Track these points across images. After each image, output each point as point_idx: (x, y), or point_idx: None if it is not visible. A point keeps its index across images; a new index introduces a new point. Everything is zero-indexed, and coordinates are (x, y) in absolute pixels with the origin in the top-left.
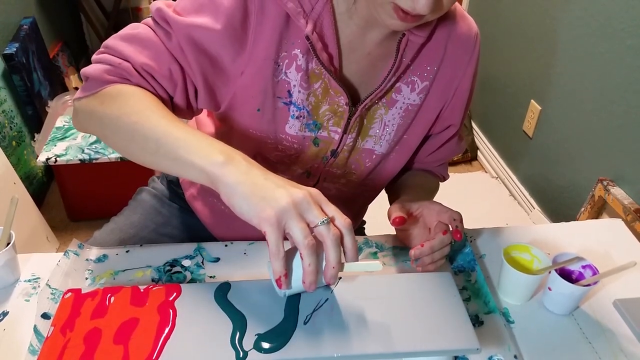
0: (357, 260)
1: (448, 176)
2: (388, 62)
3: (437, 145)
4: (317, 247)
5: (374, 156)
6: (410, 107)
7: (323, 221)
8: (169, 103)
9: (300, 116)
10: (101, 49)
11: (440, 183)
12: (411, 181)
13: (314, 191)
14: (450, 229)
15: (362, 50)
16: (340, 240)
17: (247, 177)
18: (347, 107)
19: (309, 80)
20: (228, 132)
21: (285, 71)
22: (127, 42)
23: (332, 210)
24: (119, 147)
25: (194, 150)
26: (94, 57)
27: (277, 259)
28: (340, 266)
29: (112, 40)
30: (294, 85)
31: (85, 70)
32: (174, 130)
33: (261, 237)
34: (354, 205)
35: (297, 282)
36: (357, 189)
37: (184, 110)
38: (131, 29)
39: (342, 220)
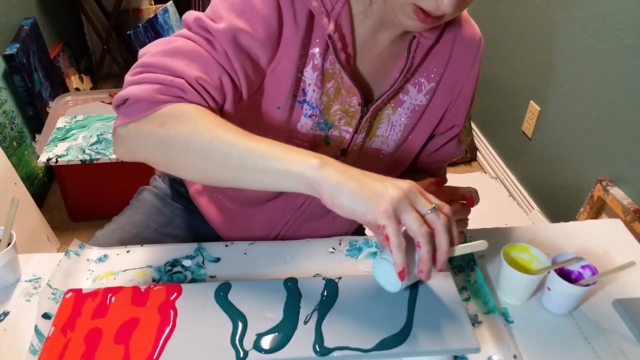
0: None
1: (446, 180)
2: (397, 63)
3: (438, 145)
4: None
5: (381, 155)
6: (417, 107)
7: (432, 209)
8: (218, 115)
9: (313, 115)
10: (140, 68)
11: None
12: None
13: (414, 183)
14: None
15: (373, 50)
16: None
17: (348, 175)
18: (359, 107)
19: (323, 79)
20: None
21: (302, 70)
22: (172, 57)
23: (433, 198)
24: (189, 167)
25: (285, 159)
26: (133, 77)
27: (400, 250)
28: (450, 251)
29: (154, 58)
30: (309, 84)
31: (129, 92)
32: (256, 144)
33: (264, 235)
34: None
35: (411, 272)
36: None
37: (231, 117)
38: (168, 43)
39: (446, 207)
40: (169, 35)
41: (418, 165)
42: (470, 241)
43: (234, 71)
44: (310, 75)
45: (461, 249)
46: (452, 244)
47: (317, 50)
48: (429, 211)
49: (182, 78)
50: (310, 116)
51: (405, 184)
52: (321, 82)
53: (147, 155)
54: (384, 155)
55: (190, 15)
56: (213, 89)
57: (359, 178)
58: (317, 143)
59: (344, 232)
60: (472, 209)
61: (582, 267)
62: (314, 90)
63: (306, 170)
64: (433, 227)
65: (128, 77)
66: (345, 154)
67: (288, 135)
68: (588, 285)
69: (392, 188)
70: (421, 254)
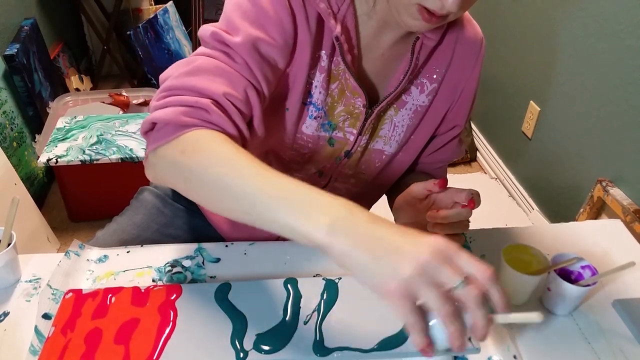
0: (509, 311)
1: (447, 181)
2: (400, 64)
3: (439, 146)
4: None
5: (384, 156)
6: (419, 108)
7: (459, 284)
8: (246, 130)
9: (318, 116)
10: (164, 93)
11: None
12: (411, 182)
13: (441, 243)
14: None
15: (377, 51)
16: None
17: (359, 240)
18: (364, 109)
19: (329, 81)
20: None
21: (310, 72)
22: (196, 76)
23: (465, 261)
24: (204, 200)
25: (292, 211)
26: (158, 102)
27: (415, 331)
28: (490, 321)
29: (177, 80)
30: (316, 86)
31: (156, 116)
32: (266, 185)
33: (267, 235)
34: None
35: (444, 341)
36: (364, 189)
37: (261, 129)
38: (188, 63)
39: (482, 273)
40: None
41: (418, 167)
42: (470, 242)
43: (257, 81)
44: (317, 77)
45: (510, 318)
46: (498, 310)
47: (324, 52)
48: (456, 286)
49: (209, 96)
50: (315, 118)
51: (427, 251)
52: (327, 83)
53: (170, 181)
54: (387, 156)
55: (206, 30)
56: (240, 103)
57: (372, 245)
58: (321, 144)
59: None
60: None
61: (582, 267)
62: (320, 92)
63: (314, 232)
64: (463, 302)
65: (153, 103)
66: (349, 155)
67: (292, 136)
68: (588, 285)
69: (406, 262)
70: (448, 332)
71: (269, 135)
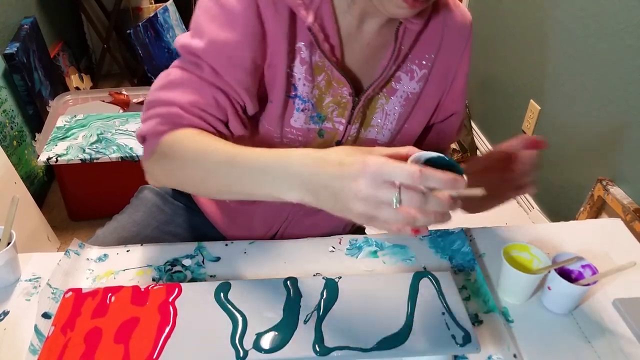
0: (460, 188)
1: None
2: (387, 51)
3: (440, 134)
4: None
5: (377, 146)
6: (410, 95)
7: (395, 200)
8: (225, 130)
9: (305, 109)
10: (145, 107)
11: None
12: None
13: (370, 170)
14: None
15: (361, 40)
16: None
17: (317, 194)
18: (350, 98)
19: (313, 73)
20: None
21: (290, 65)
22: (166, 90)
23: (394, 173)
24: (194, 187)
25: (268, 187)
26: (143, 117)
27: (400, 230)
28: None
29: (153, 95)
30: (299, 79)
31: (140, 131)
32: (242, 162)
33: (264, 231)
34: None
35: None
36: None
37: (241, 129)
38: (164, 77)
39: (411, 177)
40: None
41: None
42: (471, 241)
43: (227, 84)
44: (299, 70)
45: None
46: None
47: (302, 44)
48: (396, 202)
49: (179, 106)
50: (302, 110)
51: (362, 185)
52: (311, 75)
53: (164, 181)
54: (380, 145)
55: (178, 42)
56: (210, 107)
57: (327, 195)
58: (312, 137)
59: (344, 225)
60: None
61: (583, 266)
62: (304, 85)
63: (290, 199)
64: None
65: (141, 117)
66: (340, 145)
67: (281, 131)
68: (588, 284)
69: (352, 199)
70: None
71: (257, 130)
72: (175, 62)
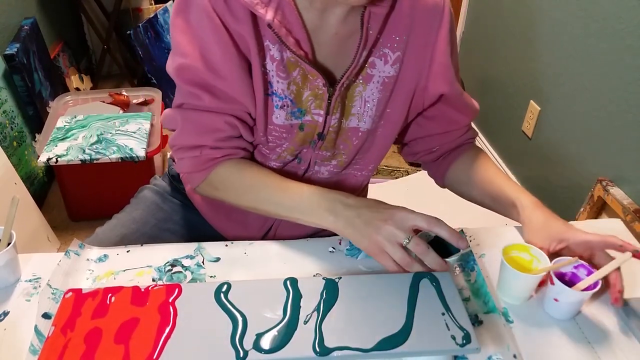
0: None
1: (476, 132)
2: (356, 38)
3: (444, 117)
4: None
5: (360, 133)
6: (387, 79)
7: (407, 240)
8: (247, 142)
9: (284, 105)
10: (174, 150)
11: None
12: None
13: (399, 212)
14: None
15: (329, 32)
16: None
17: (349, 222)
18: (325, 89)
19: (286, 69)
20: None
21: (264, 63)
22: (186, 135)
23: (414, 221)
24: (252, 210)
25: (308, 215)
26: (175, 157)
27: (394, 270)
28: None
29: (176, 141)
30: (273, 76)
31: (181, 168)
32: (285, 199)
33: (259, 228)
34: (345, 188)
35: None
36: (348, 169)
37: (250, 136)
38: (176, 123)
39: (427, 224)
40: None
41: (448, 145)
42: (471, 242)
43: (229, 102)
44: (271, 67)
45: (453, 258)
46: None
47: (268, 42)
48: (407, 242)
49: (206, 147)
50: (282, 107)
51: (389, 221)
52: (284, 72)
53: (213, 200)
54: (363, 133)
55: (168, 68)
56: (229, 132)
57: (356, 224)
58: (294, 132)
59: None
60: (471, 208)
61: (575, 267)
62: (278, 81)
63: (325, 225)
64: (414, 251)
65: (172, 155)
66: (322, 137)
67: (264, 129)
68: (592, 288)
69: (376, 229)
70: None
71: None
72: (176, 99)
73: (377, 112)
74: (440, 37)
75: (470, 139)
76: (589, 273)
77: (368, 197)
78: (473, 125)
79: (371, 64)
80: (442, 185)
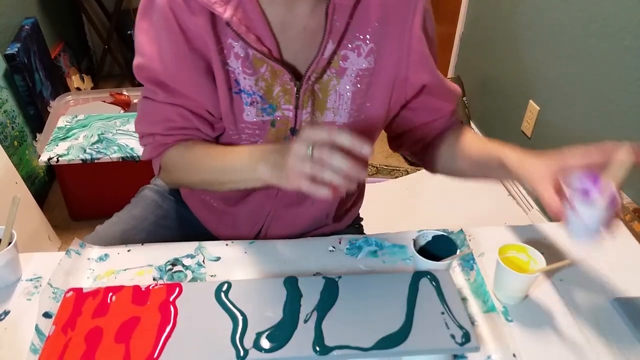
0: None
1: (464, 120)
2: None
3: (428, 107)
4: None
5: (336, 128)
6: (361, 72)
7: (309, 150)
8: (204, 133)
9: (254, 102)
10: (139, 137)
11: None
12: (470, 153)
13: (304, 133)
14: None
15: (297, 26)
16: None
17: (273, 170)
18: (292, 83)
19: (252, 65)
20: None
21: (227, 61)
22: (144, 123)
23: (314, 135)
24: (201, 187)
25: (247, 176)
26: (140, 143)
27: (309, 191)
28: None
29: (137, 128)
30: (239, 73)
31: (143, 156)
32: (223, 164)
33: (250, 228)
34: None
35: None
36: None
37: (211, 130)
38: (139, 110)
39: (326, 135)
40: None
41: (431, 130)
42: (470, 241)
43: (182, 98)
44: (235, 65)
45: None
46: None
47: (230, 39)
48: (310, 152)
49: (158, 135)
50: (251, 104)
51: (292, 147)
52: (250, 68)
53: (176, 185)
54: (340, 127)
55: (134, 68)
56: (181, 123)
57: (278, 170)
58: (267, 128)
59: (326, 215)
60: (470, 208)
61: (581, 186)
62: (244, 78)
63: (263, 181)
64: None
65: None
66: (295, 132)
67: (236, 127)
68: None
69: (287, 158)
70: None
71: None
72: (142, 91)
73: (353, 105)
74: (415, 24)
75: (454, 123)
76: (594, 180)
77: (368, 197)
78: (473, 125)
79: (343, 57)
80: (433, 171)
